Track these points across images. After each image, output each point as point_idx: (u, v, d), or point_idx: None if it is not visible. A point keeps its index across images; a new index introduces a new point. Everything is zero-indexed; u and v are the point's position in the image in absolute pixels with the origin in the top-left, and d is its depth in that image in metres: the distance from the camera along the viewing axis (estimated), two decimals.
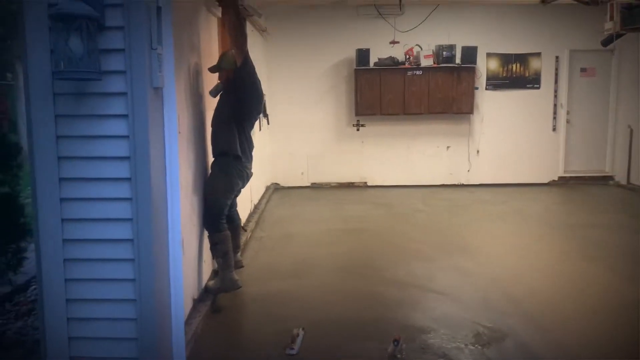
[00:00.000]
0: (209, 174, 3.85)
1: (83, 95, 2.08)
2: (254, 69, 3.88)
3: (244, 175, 3.90)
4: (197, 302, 3.60)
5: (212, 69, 3.79)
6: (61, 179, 2.11)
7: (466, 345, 3.16)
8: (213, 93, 3.80)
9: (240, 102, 3.74)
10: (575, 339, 3.23)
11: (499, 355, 3.04)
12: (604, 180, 8.56)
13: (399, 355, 2.99)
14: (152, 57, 2.08)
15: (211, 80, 3.98)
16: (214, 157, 3.84)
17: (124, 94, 2.07)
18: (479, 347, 3.13)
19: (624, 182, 8.35)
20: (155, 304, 2.16)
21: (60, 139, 2.09)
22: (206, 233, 3.83)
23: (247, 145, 3.90)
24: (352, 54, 8.07)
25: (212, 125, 3.84)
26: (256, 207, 6.83)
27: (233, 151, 3.74)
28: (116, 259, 2.16)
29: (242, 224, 4.48)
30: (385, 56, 7.99)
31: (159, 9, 2.11)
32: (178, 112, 2.52)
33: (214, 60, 4.10)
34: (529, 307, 3.69)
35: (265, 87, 7.62)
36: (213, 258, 3.95)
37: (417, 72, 7.98)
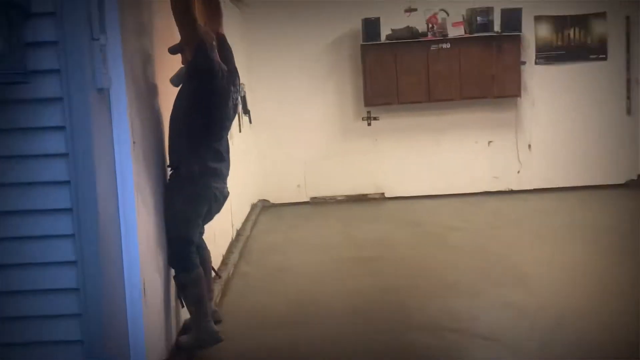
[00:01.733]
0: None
1: (6, 103, 2.12)
2: (229, 53, 3.91)
3: (210, 197, 3.82)
4: None
5: (173, 49, 3.74)
6: None
7: None
8: (175, 81, 3.77)
9: (199, 95, 3.70)
10: None
11: None
12: None
13: None
14: (94, 50, 2.13)
15: (173, 65, 4.01)
16: (170, 170, 3.84)
17: (58, 99, 2.11)
18: None
19: None
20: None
21: None
22: (173, 273, 3.86)
23: (214, 156, 3.82)
24: (357, 25, 8.14)
25: (169, 128, 3.83)
26: (239, 233, 6.86)
27: (186, 165, 3.66)
28: (58, 315, 2.19)
29: (212, 263, 4.34)
30: (400, 26, 8.05)
31: None
32: (131, 118, 2.56)
33: (176, 39, 4.13)
34: (604, 351, 3.70)
35: (244, 75, 7.71)
36: (183, 306, 3.97)
37: (444, 46, 8.03)
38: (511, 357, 3.75)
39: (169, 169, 3.76)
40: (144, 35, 3.60)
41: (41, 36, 2.12)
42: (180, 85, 3.74)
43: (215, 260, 5.45)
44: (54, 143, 2.14)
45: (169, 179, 3.78)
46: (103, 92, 2.25)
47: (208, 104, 3.68)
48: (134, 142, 2.69)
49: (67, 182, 2.14)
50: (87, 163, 2.13)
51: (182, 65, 3.75)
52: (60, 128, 2.14)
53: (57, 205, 2.15)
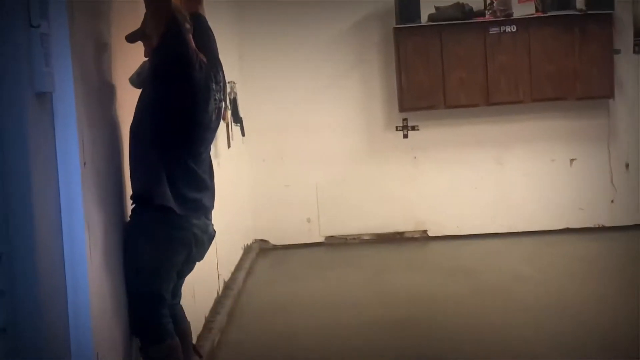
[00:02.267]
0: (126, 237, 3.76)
1: None
2: (209, 39, 3.89)
3: (189, 240, 3.73)
4: None
5: (132, 36, 3.63)
6: None
7: None
8: (135, 81, 3.68)
9: (168, 97, 3.62)
10: None
11: None
12: None
13: None
14: (33, 42, 2.15)
15: (137, 60, 4.03)
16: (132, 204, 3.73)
17: None
18: None
19: None
20: None
21: None
22: (138, 343, 3.84)
23: (193, 181, 3.75)
24: (389, 2, 8.18)
25: (130, 145, 3.68)
26: (228, 286, 6.86)
27: (156, 198, 3.57)
28: None
29: (192, 337, 4.19)
30: (448, 3, 8.09)
31: None
32: (81, 131, 2.57)
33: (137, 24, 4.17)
34: None
35: (234, 71, 7.77)
36: None
37: (508, 29, 8.07)
38: None
39: (131, 201, 3.66)
40: (99, 19, 3.63)
41: None
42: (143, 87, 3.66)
43: (196, 327, 5.44)
44: None
45: (132, 216, 3.68)
46: (44, 97, 2.27)
47: (181, 108, 3.55)
48: (84, 164, 2.70)
49: None
50: (21, 195, 2.14)
51: (145, 59, 3.64)
52: None
53: None
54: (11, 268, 2.15)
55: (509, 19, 8.07)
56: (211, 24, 4.19)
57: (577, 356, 4.96)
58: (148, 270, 3.61)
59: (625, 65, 8.42)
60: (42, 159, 2.26)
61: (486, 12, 8.11)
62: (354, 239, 8.62)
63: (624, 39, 8.39)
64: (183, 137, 3.62)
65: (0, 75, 2.12)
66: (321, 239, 8.63)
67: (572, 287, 6.61)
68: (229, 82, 7.12)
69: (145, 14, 3.62)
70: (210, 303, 6.10)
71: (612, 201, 8.56)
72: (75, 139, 2.41)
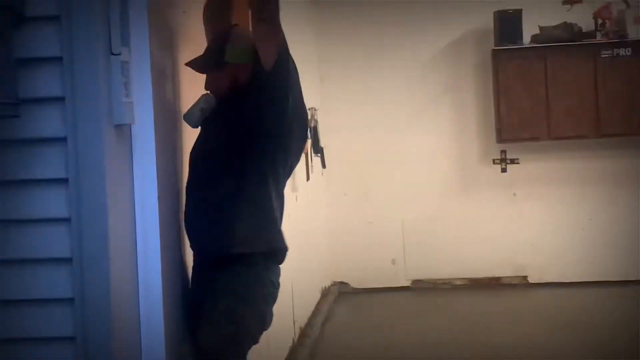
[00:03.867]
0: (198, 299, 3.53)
1: None
2: (296, 72, 3.83)
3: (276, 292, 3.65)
4: None
5: (198, 64, 3.46)
6: None
7: None
8: (196, 117, 3.44)
9: (267, 131, 3.59)
10: None
11: None
12: None
13: None
14: (114, 70, 2.23)
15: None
16: (203, 260, 3.57)
17: (60, 140, 2.20)
18: None
19: None
20: None
21: None
22: None
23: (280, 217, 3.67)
24: (487, 21, 8.19)
25: (194, 190, 3.54)
26: (304, 333, 6.88)
27: (270, 243, 3.53)
28: None
29: None
30: (554, 22, 8.05)
31: None
32: (159, 164, 2.65)
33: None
34: None
35: (314, 97, 7.83)
36: None
37: (622, 52, 7.98)
38: None
39: (220, 253, 3.44)
40: (169, 47, 3.72)
41: (39, 49, 2.20)
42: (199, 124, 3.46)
43: None
44: (52, 204, 2.22)
45: (220, 273, 3.45)
46: (123, 130, 2.34)
47: (287, 137, 3.53)
48: (158, 198, 2.77)
49: (70, 260, 2.22)
50: (97, 235, 2.21)
51: (206, 93, 3.49)
52: (61, 181, 2.22)
53: (57, 294, 2.24)
54: (82, 310, 2.22)
55: (623, 41, 8.00)
56: (292, 45, 4.24)
57: None
58: (241, 339, 3.53)
59: None
60: (119, 194, 2.33)
61: (597, 33, 8.04)
62: (445, 283, 8.56)
63: None
64: (285, 163, 3.60)
65: (80, 106, 2.19)
66: (407, 283, 8.60)
67: None
68: (309, 109, 7.19)
69: (224, 36, 3.52)
70: (285, 352, 6.13)
71: None
72: (154, 172, 2.47)
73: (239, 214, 3.42)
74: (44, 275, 2.27)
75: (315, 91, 7.98)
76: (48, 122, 2.22)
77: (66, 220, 2.21)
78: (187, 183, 3.53)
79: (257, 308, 3.47)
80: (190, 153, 3.55)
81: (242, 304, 3.41)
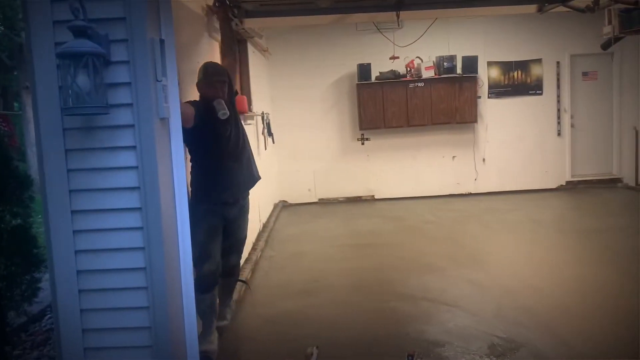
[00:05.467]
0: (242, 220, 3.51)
1: (92, 129, 2.11)
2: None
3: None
4: None
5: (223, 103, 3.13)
6: (73, 212, 2.13)
7: (481, 357, 3.15)
8: (226, 113, 3.14)
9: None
10: (592, 345, 3.21)
11: None
12: (612, 183, 8.52)
13: None
14: (158, 89, 2.13)
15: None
16: (241, 197, 3.42)
17: (131, 126, 2.11)
18: (494, 358, 3.12)
19: (632, 184, 8.31)
20: (170, 331, 2.19)
21: (71, 172, 2.12)
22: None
23: None
24: (354, 69, 8.13)
25: (235, 153, 3.29)
26: (265, 225, 6.85)
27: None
28: (130, 288, 2.19)
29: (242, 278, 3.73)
30: (386, 70, 8.05)
31: (162, 41, 2.16)
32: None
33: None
34: (543, 316, 3.68)
35: (268, 106, 7.71)
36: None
37: (419, 84, 8.02)
38: (470, 318, 3.73)
39: (251, 186, 3.52)
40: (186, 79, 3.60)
41: (118, 78, 2.11)
42: (227, 116, 3.16)
43: (247, 246, 5.45)
44: (128, 158, 2.14)
45: (245, 201, 3.51)
46: (164, 121, 2.25)
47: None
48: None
49: (138, 188, 2.13)
50: (153, 174, 2.12)
51: (219, 100, 3.17)
52: (133, 147, 2.13)
53: (131, 205, 2.14)
54: (147, 215, 2.13)
55: (420, 79, 8.02)
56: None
57: (453, 259, 5.00)
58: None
59: (483, 105, 8.38)
60: (163, 157, 2.23)
61: (407, 74, 8.05)
62: (335, 200, 8.58)
63: (483, 90, 8.36)
64: None
65: (141, 109, 2.10)
66: (317, 200, 8.60)
67: (454, 226, 6.63)
68: (265, 113, 7.09)
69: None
70: (255, 234, 6.10)
71: (475, 179, 8.56)
72: (181, 147, 2.37)
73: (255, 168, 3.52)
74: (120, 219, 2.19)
75: (268, 104, 7.86)
76: (124, 116, 2.11)
77: (135, 167, 2.13)
78: (221, 152, 3.21)
79: None
80: (219, 136, 3.19)
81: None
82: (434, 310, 3.93)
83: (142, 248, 2.14)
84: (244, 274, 4.74)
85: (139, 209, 2.14)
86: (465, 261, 5.06)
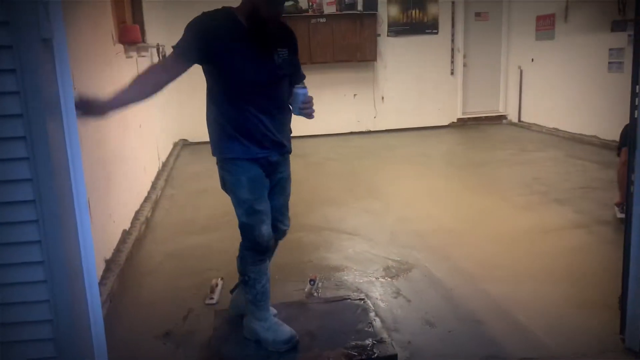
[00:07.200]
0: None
1: None
2: None
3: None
4: (110, 262, 3.54)
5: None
6: None
7: (377, 278, 3.40)
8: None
9: None
10: (476, 264, 3.57)
11: (407, 284, 3.31)
12: (499, 119, 9.22)
13: (315, 293, 3.16)
14: (40, 6, 1.94)
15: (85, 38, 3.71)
16: (286, 152, 2.67)
17: (8, 47, 1.93)
18: (389, 279, 3.38)
19: (515, 120, 9.05)
20: (67, 267, 2.12)
21: None
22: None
23: None
24: None
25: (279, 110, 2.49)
26: (164, 164, 6.67)
27: None
28: (19, 222, 2.08)
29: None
30: (288, 3, 7.89)
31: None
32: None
33: (107, 12, 3.85)
34: (434, 240, 4.01)
35: (164, 37, 7.30)
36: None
37: (321, 20, 8.00)
38: (367, 245, 3.97)
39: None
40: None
41: None
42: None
43: (145, 185, 5.30)
44: (7, 83, 1.96)
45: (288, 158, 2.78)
46: (47, 42, 2.07)
47: None
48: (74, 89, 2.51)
49: (21, 115, 1.97)
50: (35, 100, 1.97)
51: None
52: (12, 70, 1.95)
53: (14, 134, 1.99)
54: (32, 146, 2.00)
55: (322, 14, 8.00)
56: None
57: (353, 192, 5.23)
58: None
59: (383, 43, 8.57)
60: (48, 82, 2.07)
61: (309, 9, 7.98)
62: None
63: (382, 28, 8.52)
64: None
65: (20, 33, 1.92)
66: None
67: (354, 162, 6.88)
68: (161, 45, 6.71)
69: None
70: (154, 174, 5.93)
71: (374, 117, 8.85)
72: (68, 71, 2.20)
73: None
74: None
75: (165, 35, 7.42)
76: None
77: (17, 93, 1.97)
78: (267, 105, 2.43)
79: None
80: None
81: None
82: (335, 239, 4.13)
83: (30, 180, 2.02)
84: (144, 214, 4.64)
85: (23, 137, 2.00)
86: (364, 194, 5.32)
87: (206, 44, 2.27)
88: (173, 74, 2.30)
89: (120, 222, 4.02)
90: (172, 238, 4.29)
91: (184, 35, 2.30)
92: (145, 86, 2.27)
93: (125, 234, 4.07)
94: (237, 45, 2.28)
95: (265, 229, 2.45)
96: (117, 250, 3.75)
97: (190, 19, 2.33)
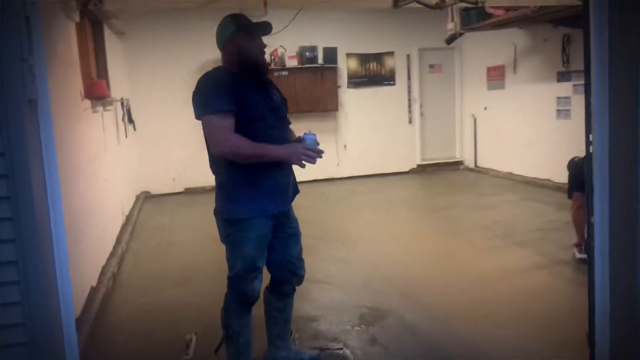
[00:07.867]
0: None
1: None
2: None
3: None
4: (79, 321, 3.43)
5: None
6: None
7: (352, 327, 3.43)
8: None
9: None
10: (447, 307, 3.66)
11: (383, 331, 3.35)
12: (456, 165, 9.58)
13: (292, 345, 3.16)
14: (25, 69, 1.99)
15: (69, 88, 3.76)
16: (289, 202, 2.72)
17: None
18: (364, 326, 3.42)
19: (472, 165, 9.42)
20: (46, 326, 2.09)
21: None
22: None
23: None
24: (218, 55, 8.00)
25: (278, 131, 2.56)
26: (128, 217, 6.57)
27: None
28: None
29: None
30: None
31: (27, 18, 2.02)
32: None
33: (76, 69, 3.90)
34: (405, 286, 4.09)
35: (127, 92, 7.36)
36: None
37: (283, 73, 8.23)
38: (341, 293, 4.01)
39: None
40: (58, 59, 3.35)
41: None
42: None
43: (111, 240, 5.21)
44: None
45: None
46: (32, 103, 2.11)
47: None
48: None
49: (6, 176, 1.99)
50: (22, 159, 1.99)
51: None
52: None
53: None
54: (15, 190, 1.99)
55: (284, 68, 8.24)
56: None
57: (323, 239, 5.29)
58: None
59: (343, 94, 8.87)
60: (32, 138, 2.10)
61: (272, 63, 8.20)
62: (202, 189, 8.44)
63: (343, 80, 8.84)
64: None
65: (6, 90, 1.95)
66: (183, 190, 8.43)
67: (322, 208, 6.94)
68: (125, 99, 6.76)
69: None
70: (119, 227, 5.83)
71: (337, 164, 9.03)
72: (51, 129, 2.23)
73: None
74: None
75: (128, 89, 7.48)
76: None
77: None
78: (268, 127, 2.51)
79: None
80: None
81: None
82: (309, 288, 4.13)
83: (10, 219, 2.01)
84: (110, 269, 4.55)
85: (7, 198, 2.00)
86: (332, 240, 5.39)
87: (229, 91, 2.37)
88: (233, 128, 2.32)
89: (87, 278, 3.93)
90: (141, 293, 4.21)
91: (207, 99, 2.38)
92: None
93: (93, 290, 3.97)
94: (244, 89, 2.39)
95: (257, 283, 2.50)
96: (86, 308, 3.65)
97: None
